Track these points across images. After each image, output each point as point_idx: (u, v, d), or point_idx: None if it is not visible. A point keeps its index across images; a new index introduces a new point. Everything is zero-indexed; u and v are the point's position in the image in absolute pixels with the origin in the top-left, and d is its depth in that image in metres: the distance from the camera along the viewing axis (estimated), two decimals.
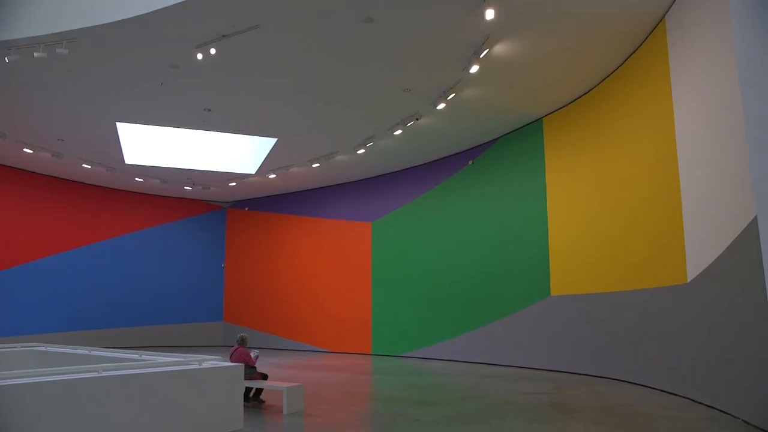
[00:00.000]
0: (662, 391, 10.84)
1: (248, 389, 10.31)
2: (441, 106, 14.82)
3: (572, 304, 14.53)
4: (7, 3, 11.93)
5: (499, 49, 12.10)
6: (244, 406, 9.68)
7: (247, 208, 26.45)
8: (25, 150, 18.60)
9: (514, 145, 17.19)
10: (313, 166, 20.48)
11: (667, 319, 10.76)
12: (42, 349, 11.41)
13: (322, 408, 9.57)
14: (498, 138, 17.78)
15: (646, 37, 11.69)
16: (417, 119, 15.89)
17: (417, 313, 19.96)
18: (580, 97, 14.69)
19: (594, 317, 13.68)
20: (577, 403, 9.92)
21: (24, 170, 21.26)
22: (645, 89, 11.81)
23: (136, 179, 22.46)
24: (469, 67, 12.64)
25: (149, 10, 10.79)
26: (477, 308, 17.81)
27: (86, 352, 10.37)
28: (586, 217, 14.22)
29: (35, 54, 11.64)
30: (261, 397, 10.20)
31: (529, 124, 16.63)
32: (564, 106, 15.33)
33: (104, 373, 6.44)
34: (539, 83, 14.01)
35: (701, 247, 9.38)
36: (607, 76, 13.52)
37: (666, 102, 10.77)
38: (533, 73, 13.36)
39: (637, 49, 12.15)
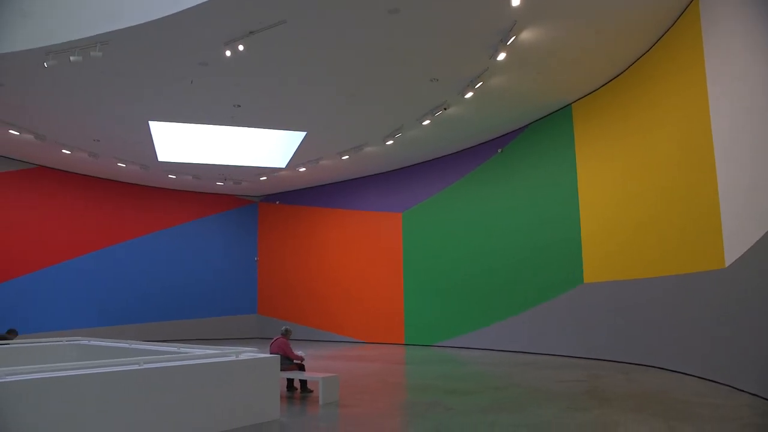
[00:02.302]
0: (699, 377, 10.69)
1: (290, 380, 10.46)
2: (469, 95, 14.75)
3: (606, 291, 14.38)
4: (45, 9, 12.24)
5: (527, 35, 11.98)
6: (289, 396, 9.88)
7: (278, 202, 26.69)
8: (63, 151, 19.10)
9: (543, 132, 17.03)
10: (343, 158, 20.56)
11: (704, 304, 10.59)
12: (85, 343, 11.78)
13: (358, 398, 9.66)
14: (526, 125, 17.63)
15: (679, 17, 11.44)
16: (445, 109, 15.83)
17: (449, 303, 19.96)
18: (610, 81, 14.47)
19: (628, 304, 13.52)
20: (613, 391, 9.85)
21: (62, 170, 21.79)
22: (678, 71, 11.58)
23: (169, 176, 22.84)
24: (497, 55, 12.55)
25: (177, 10, 10.94)
26: (509, 297, 17.74)
27: (126, 345, 10.67)
28: (618, 202, 14.03)
29: (71, 58, 11.95)
30: (308, 386, 10.32)
31: (557, 110, 16.45)
32: (593, 91, 15.12)
33: (145, 366, 6.63)
34: (568, 69, 13.83)
35: (740, 232, 9.19)
36: (638, 59, 13.29)
37: (700, 83, 10.55)
38: (561, 58, 13.19)
39: (669, 29, 11.91)
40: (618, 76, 14.17)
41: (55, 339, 12.46)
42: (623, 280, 13.74)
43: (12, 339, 12.15)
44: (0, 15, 12.42)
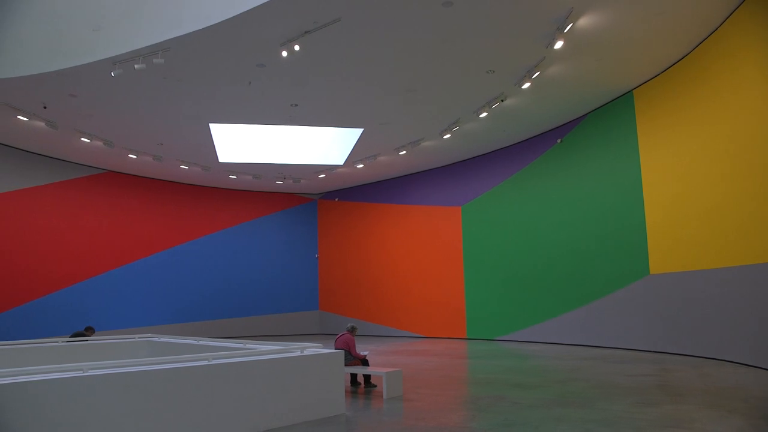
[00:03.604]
0: None
1: (354, 375, 10.58)
2: (526, 85, 14.53)
3: (674, 282, 13.93)
4: (112, 22, 12.76)
5: (584, 21, 11.71)
6: (353, 391, 9.99)
7: (337, 199, 26.97)
8: (129, 156, 19.87)
9: (603, 121, 16.62)
10: (400, 153, 20.60)
11: None
12: (155, 339, 12.22)
13: (421, 392, 9.69)
14: (586, 114, 17.24)
15: None
16: (502, 100, 15.65)
17: (511, 296, 19.76)
18: (674, 65, 13.98)
19: (698, 295, 13.06)
20: (685, 386, 9.54)
21: (129, 174, 22.64)
22: (750, 49, 11.08)
23: (230, 176, 23.38)
24: (554, 44, 12.32)
25: (234, 14, 11.18)
26: (573, 289, 17.42)
27: (195, 342, 11.01)
28: (684, 191, 13.56)
29: (135, 66, 12.45)
30: (371, 381, 10.42)
31: (618, 97, 16.01)
32: (656, 76, 14.65)
33: (214, 361, 6.83)
34: (628, 54, 13.44)
35: None
36: (704, 40, 12.78)
37: None
38: (621, 43, 12.83)
39: (736, 9, 11.41)
40: (682, 59, 13.68)
41: (127, 336, 12.99)
42: (692, 271, 13.28)
43: (89, 336, 12.70)
44: (73, 32, 13.05)
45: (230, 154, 20.94)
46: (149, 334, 13.05)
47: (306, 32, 11.85)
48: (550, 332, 18.17)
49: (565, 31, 11.73)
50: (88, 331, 12.96)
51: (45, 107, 15.51)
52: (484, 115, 16.62)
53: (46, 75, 13.48)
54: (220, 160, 21.14)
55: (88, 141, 18.06)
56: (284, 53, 12.55)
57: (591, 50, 13.06)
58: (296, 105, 16.29)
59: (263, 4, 10.77)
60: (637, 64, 14.08)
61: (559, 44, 12.29)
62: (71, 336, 12.54)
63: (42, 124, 16.46)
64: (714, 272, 12.50)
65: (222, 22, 11.41)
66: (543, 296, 18.55)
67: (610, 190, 16.30)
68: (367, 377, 10.41)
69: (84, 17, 13.16)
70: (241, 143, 20.63)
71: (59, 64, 13.20)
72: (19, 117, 15.83)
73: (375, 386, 10.24)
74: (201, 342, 10.89)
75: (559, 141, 18.21)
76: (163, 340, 12.13)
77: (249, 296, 25.47)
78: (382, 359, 14.79)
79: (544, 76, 14.25)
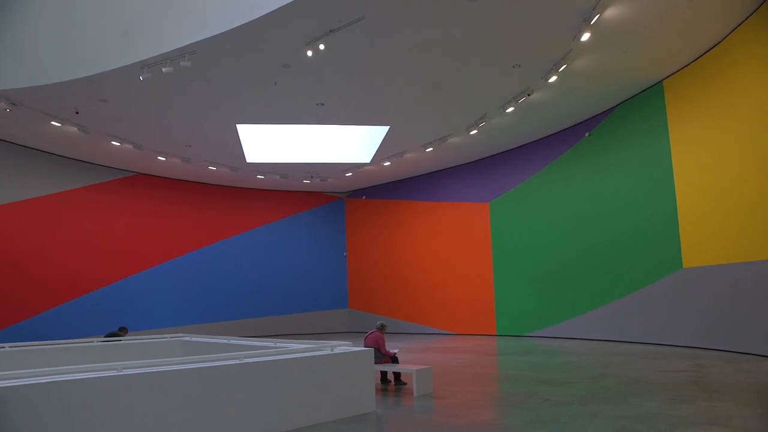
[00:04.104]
0: None
1: (384, 373, 10.60)
2: (553, 78, 14.39)
3: (708, 276, 13.67)
4: (139, 27, 12.95)
5: (611, 12, 11.53)
6: (383, 388, 10.01)
7: (364, 197, 27.01)
8: (159, 158, 20.15)
9: (633, 113, 16.37)
10: (427, 150, 20.55)
11: None
12: (187, 339, 12.39)
13: (452, 389, 9.66)
14: (615, 106, 17.00)
15: None
16: (529, 95, 15.52)
17: (541, 292, 19.59)
18: (704, 54, 13.70)
19: (733, 288, 12.80)
20: (722, 382, 9.34)
21: (158, 176, 22.97)
22: None
23: (258, 176, 23.57)
24: (580, 36, 12.18)
25: (258, 15, 11.26)
26: (603, 284, 17.21)
27: (225, 341, 11.14)
28: (717, 182, 13.29)
29: (163, 69, 12.63)
30: (401, 379, 10.43)
31: (648, 88, 15.76)
32: (686, 66, 14.38)
33: (245, 360, 6.89)
34: (657, 44, 13.21)
35: None
36: (735, 28, 12.51)
37: None
38: (650, 33, 12.61)
39: None
40: (713, 48, 13.40)
41: (159, 336, 13.20)
42: (726, 264, 13.01)
43: (123, 336, 12.93)
44: (102, 38, 13.29)
45: (257, 154, 21.12)
46: (181, 334, 13.25)
47: (330, 31, 11.88)
48: (580, 328, 17.98)
49: (592, 22, 11.58)
50: (122, 331, 13.19)
51: (77, 112, 15.82)
52: (510, 109, 16.50)
53: (78, 81, 13.75)
54: (247, 161, 21.32)
55: (119, 144, 18.38)
56: (309, 53, 12.61)
57: (619, 41, 12.87)
58: (322, 104, 16.35)
59: (288, 4, 10.83)
60: (666, 54, 13.84)
61: (585, 36, 12.14)
62: (105, 336, 12.79)
63: (74, 129, 16.80)
64: (750, 265, 12.23)
65: (247, 23, 11.50)
66: (573, 292, 18.35)
67: (640, 183, 16.05)
68: (397, 375, 10.42)
69: (112, 23, 13.38)
70: (268, 143, 20.78)
71: (89, 70, 13.46)
72: (53, 123, 16.19)
73: (405, 384, 10.24)
74: (232, 341, 11.01)
75: (587, 134, 17.99)
76: (194, 339, 12.29)
77: (278, 295, 25.66)
78: (412, 356, 14.78)
79: (571, 68, 14.08)
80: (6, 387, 5.11)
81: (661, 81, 15.27)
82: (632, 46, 13.18)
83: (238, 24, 11.60)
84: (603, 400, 8.19)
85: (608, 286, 17.04)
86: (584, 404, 7.91)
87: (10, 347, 10.56)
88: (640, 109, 16.12)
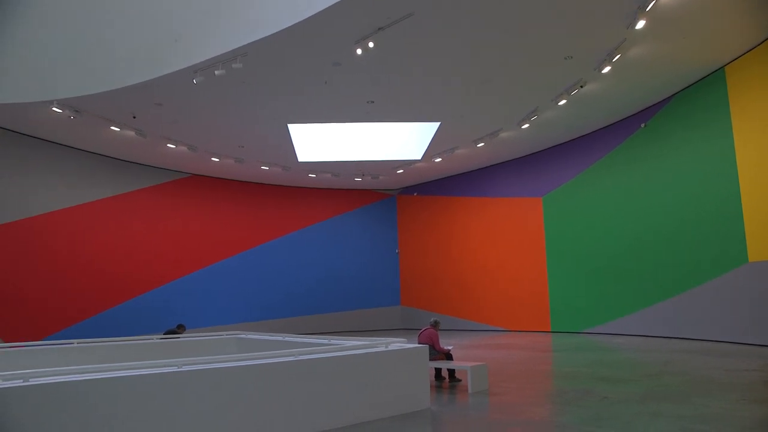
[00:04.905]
0: None
1: (438, 370, 10.55)
2: (606, 69, 14.04)
3: None
4: (191, 32, 13.25)
5: None
6: (437, 385, 9.97)
7: (415, 194, 26.97)
8: (212, 159, 20.59)
9: (692, 101, 15.81)
10: (478, 145, 20.36)
11: None
12: (243, 336, 12.62)
13: (506, 386, 9.54)
14: (672, 96, 16.47)
15: None
16: (581, 86, 15.19)
17: (597, 287, 19.17)
18: None
19: None
20: None
21: (212, 177, 23.47)
22: None
23: (310, 175, 23.82)
24: (635, 23, 11.83)
25: (308, 16, 11.35)
26: (663, 279, 16.69)
27: (280, 338, 11.29)
28: None
29: (216, 72, 12.91)
30: (456, 375, 10.37)
31: (708, 75, 15.19)
32: (750, 50, 13.79)
33: (300, 357, 6.96)
34: (718, 28, 12.70)
35: None
36: None
37: None
38: (711, 17, 12.12)
39: None
40: None
41: (216, 333, 13.49)
42: None
43: (181, 333, 13.26)
44: (156, 43, 13.66)
45: (309, 153, 21.34)
46: (236, 332, 13.50)
47: (379, 28, 11.89)
48: (638, 325, 17.50)
49: (648, 9, 11.23)
50: (180, 329, 13.53)
51: (134, 117, 16.32)
52: (562, 102, 16.19)
53: (134, 86, 14.19)
54: (299, 160, 21.57)
55: (174, 147, 18.88)
56: (359, 51, 12.65)
57: (676, 27, 12.42)
58: (372, 102, 16.39)
59: (336, 3, 10.89)
60: (729, 38, 13.29)
61: (641, 24, 11.79)
62: (164, 333, 13.14)
63: (132, 133, 17.33)
64: None
65: (297, 23, 11.62)
66: (630, 287, 17.88)
67: (701, 174, 15.50)
68: (451, 372, 10.36)
69: (165, 29, 13.73)
70: (319, 142, 20.98)
71: (145, 76, 13.88)
72: (112, 128, 16.75)
73: (460, 381, 10.17)
74: (286, 338, 11.15)
75: (643, 125, 17.48)
76: (249, 336, 12.50)
77: (331, 293, 25.89)
78: (466, 353, 14.68)
79: (626, 58, 13.70)
80: (78, 381, 5.38)
81: (723, 67, 14.70)
82: (691, 32, 12.71)
83: (288, 24, 11.73)
84: (664, 398, 7.94)
85: (668, 281, 16.52)
86: (644, 403, 7.68)
87: (78, 343, 11.05)
88: (700, 97, 15.56)
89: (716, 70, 14.91)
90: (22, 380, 5.20)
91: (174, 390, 5.84)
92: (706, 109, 15.30)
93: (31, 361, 9.58)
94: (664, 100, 16.77)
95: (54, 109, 15.01)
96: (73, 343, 11.03)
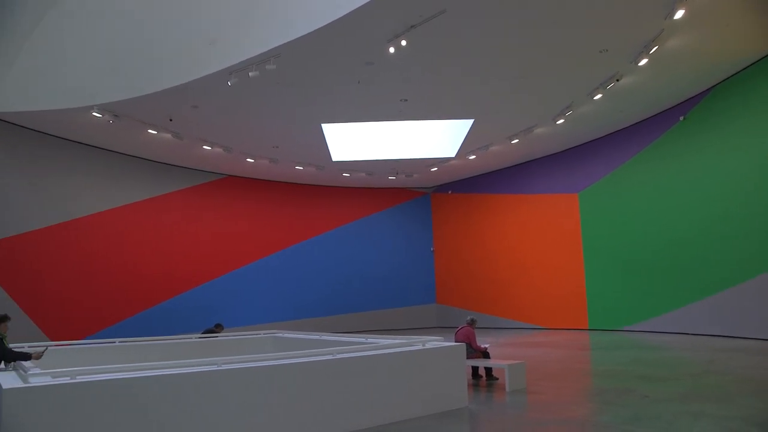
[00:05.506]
0: None
1: (475, 368, 10.52)
2: (643, 61, 13.76)
3: None
4: (225, 34, 13.45)
5: None
6: (474, 383, 9.94)
7: (450, 191, 26.87)
8: (247, 160, 20.84)
9: (734, 93, 15.41)
10: (512, 142, 20.19)
11: None
12: (279, 335, 12.76)
13: (545, 385, 9.45)
14: (711, 87, 16.08)
15: None
16: (617, 80, 14.93)
17: (636, 284, 18.82)
18: None
19: None
20: None
21: (247, 178, 23.75)
22: None
23: (344, 174, 23.92)
24: (673, 13, 11.56)
25: (341, 15, 11.40)
26: (704, 275, 16.31)
27: (317, 337, 11.38)
28: None
29: (250, 74, 13.07)
30: (493, 374, 10.32)
31: (750, 65, 14.78)
32: None
33: (338, 356, 7.01)
34: (760, 17, 12.31)
35: None
36: None
37: None
38: (754, 3, 11.73)
39: None
40: None
41: (253, 332, 13.66)
42: None
43: (219, 332, 13.45)
44: (191, 47, 13.89)
45: (343, 152, 21.42)
46: (273, 330, 13.65)
47: (412, 26, 11.87)
48: (679, 322, 17.13)
49: None
50: (218, 328, 13.71)
51: (171, 120, 16.61)
52: (598, 96, 15.94)
53: (171, 90, 14.44)
54: (333, 159, 21.67)
55: (209, 148, 19.16)
56: (391, 49, 12.66)
57: (717, 15, 12.07)
58: (405, 100, 16.38)
59: (368, 2, 10.90)
60: None
61: (679, 14, 11.51)
62: (203, 332, 13.34)
63: (168, 135, 17.63)
64: None
65: (329, 23, 11.67)
66: (670, 284, 17.51)
67: (742, 168, 15.09)
68: (488, 370, 10.31)
69: (199, 32, 13.93)
70: (353, 141, 21.04)
71: (181, 79, 14.11)
72: (150, 131, 17.08)
73: (497, 379, 10.12)
74: (323, 337, 11.23)
75: (682, 118, 17.10)
76: (286, 335, 12.62)
77: (366, 291, 25.95)
78: (503, 351, 14.58)
79: (663, 50, 13.40)
80: (123, 378, 5.56)
81: (764, 57, 14.28)
82: (733, 20, 12.33)
83: (321, 25, 11.80)
84: (707, 398, 7.77)
85: (709, 277, 16.13)
86: (686, 403, 7.53)
87: (119, 342, 11.33)
88: (740, 89, 15.15)
89: (758, 60, 14.48)
90: (69, 378, 5.36)
91: (214, 388, 5.95)
92: (747, 101, 14.90)
93: (75, 359, 9.85)
94: (703, 91, 16.38)
95: (94, 114, 15.40)
96: (114, 342, 11.32)
